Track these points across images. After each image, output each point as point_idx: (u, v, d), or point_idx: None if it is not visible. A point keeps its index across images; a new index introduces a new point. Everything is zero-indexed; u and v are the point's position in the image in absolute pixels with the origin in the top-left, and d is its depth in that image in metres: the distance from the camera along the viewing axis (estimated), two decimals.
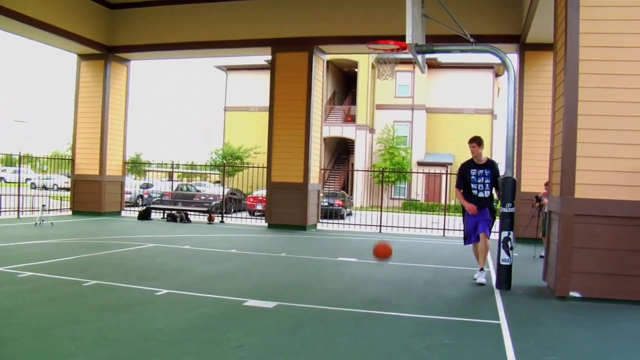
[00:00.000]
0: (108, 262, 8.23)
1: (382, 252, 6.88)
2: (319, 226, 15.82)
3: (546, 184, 9.50)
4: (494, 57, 7.80)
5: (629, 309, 6.19)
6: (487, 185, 7.43)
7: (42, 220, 13.03)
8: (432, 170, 28.11)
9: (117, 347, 4.15)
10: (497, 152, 33.38)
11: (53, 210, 16.67)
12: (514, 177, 7.50)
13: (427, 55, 8.86)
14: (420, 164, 35.37)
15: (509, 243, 7.14)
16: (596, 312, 6.06)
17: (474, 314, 5.87)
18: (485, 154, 7.67)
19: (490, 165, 7.53)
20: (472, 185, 7.48)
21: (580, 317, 5.87)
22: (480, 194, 7.45)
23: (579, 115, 6.69)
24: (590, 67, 6.69)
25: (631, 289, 6.48)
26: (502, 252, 7.14)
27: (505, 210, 7.23)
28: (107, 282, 6.56)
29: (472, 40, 7.76)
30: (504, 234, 7.17)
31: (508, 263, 7.16)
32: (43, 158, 21.84)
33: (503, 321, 5.44)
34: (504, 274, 7.21)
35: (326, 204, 19.37)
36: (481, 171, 7.45)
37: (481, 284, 7.41)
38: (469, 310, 6.09)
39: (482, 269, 7.55)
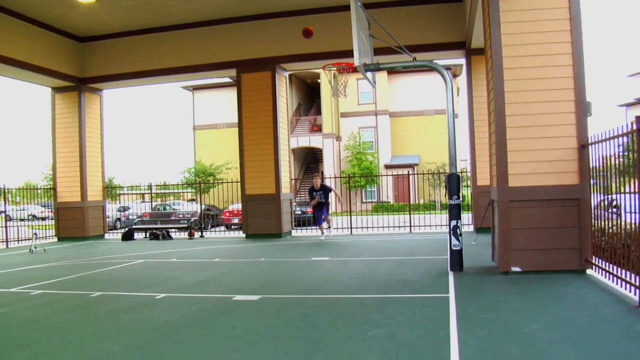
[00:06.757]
0: (106, 277, 9.08)
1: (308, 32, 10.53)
2: (294, 233, 16.82)
3: None
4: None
5: (557, 277, 7.35)
6: (322, 196, 14.75)
7: (36, 247, 13.79)
8: (399, 172, 29.33)
9: (134, 336, 5.08)
10: (459, 150, 34.71)
11: (39, 238, 17.30)
12: (459, 172, 8.63)
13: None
14: (387, 166, 36.65)
15: (457, 230, 8.25)
16: (530, 281, 7.18)
17: (428, 291, 6.92)
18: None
19: (322, 187, 14.89)
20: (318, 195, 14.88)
21: (516, 286, 6.97)
22: (322, 200, 14.78)
23: (507, 115, 7.85)
24: (513, 74, 7.86)
25: (560, 260, 7.64)
26: (453, 238, 8.25)
27: (452, 202, 8.35)
28: (110, 292, 7.44)
29: (412, 56, 8.87)
30: (453, 222, 8.28)
31: (458, 248, 8.25)
32: (26, 189, 22.25)
33: (452, 294, 6.50)
34: (456, 257, 8.30)
35: (299, 212, 20.35)
36: (320, 192, 14.76)
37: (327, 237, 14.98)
38: (424, 289, 7.13)
39: (328, 228, 15.45)
